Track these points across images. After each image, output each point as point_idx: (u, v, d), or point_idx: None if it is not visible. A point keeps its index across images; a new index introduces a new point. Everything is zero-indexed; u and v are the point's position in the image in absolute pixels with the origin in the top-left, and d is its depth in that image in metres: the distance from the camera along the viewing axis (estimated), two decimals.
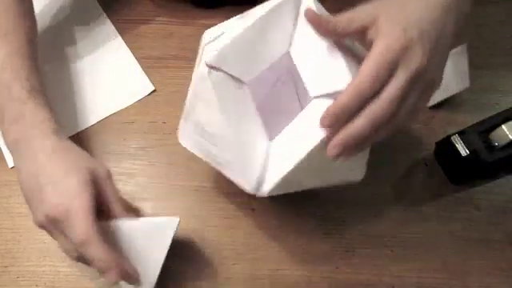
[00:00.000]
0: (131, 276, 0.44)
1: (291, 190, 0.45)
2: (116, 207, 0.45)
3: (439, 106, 0.58)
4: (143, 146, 0.57)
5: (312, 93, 0.42)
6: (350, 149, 0.38)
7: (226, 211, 0.53)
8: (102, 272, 0.42)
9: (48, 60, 0.62)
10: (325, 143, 0.39)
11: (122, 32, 0.63)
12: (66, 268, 0.50)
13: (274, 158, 0.44)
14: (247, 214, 0.53)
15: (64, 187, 0.42)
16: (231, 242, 0.51)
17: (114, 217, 0.45)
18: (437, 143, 0.54)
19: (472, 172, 0.53)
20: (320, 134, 0.39)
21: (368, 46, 0.39)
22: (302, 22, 0.43)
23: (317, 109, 0.41)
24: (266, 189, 0.43)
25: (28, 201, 0.45)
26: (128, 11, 0.64)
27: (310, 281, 0.49)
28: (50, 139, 0.45)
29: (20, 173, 0.45)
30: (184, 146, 0.48)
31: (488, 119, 0.52)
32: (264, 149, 0.44)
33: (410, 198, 0.53)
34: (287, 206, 0.53)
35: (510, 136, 0.50)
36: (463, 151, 0.49)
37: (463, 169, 0.51)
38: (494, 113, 0.53)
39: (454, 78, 0.55)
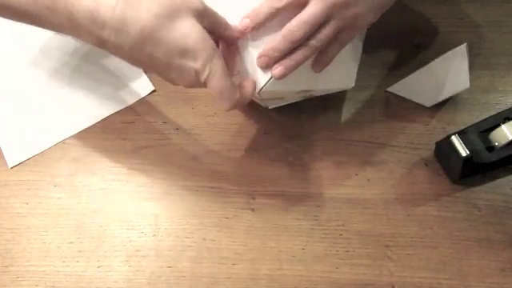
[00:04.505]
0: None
1: (286, 89, 0.49)
2: (233, 31, 0.45)
3: (439, 105, 0.58)
4: (143, 145, 0.57)
5: None
6: (274, 61, 0.44)
7: (225, 211, 0.53)
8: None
9: (48, 60, 0.62)
10: None
11: None
12: (66, 268, 0.50)
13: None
14: (247, 214, 0.53)
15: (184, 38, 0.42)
16: (231, 242, 0.51)
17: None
18: (437, 143, 0.54)
19: (472, 172, 0.53)
20: None
21: None
22: None
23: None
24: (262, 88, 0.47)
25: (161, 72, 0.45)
26: None
27: (310, 281, 0.49)
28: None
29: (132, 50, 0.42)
30: None
31: (488, 119, 0.52)
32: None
33: (410, 198, 0.53)
34: (287, 206, 0.53)
35: (509, 136, 0.50)
36: (463, 151, 0.49)
37: (463, 169, 0.51)
38: (494, 113, 0.53)
39: (454, 78, 0.55)
